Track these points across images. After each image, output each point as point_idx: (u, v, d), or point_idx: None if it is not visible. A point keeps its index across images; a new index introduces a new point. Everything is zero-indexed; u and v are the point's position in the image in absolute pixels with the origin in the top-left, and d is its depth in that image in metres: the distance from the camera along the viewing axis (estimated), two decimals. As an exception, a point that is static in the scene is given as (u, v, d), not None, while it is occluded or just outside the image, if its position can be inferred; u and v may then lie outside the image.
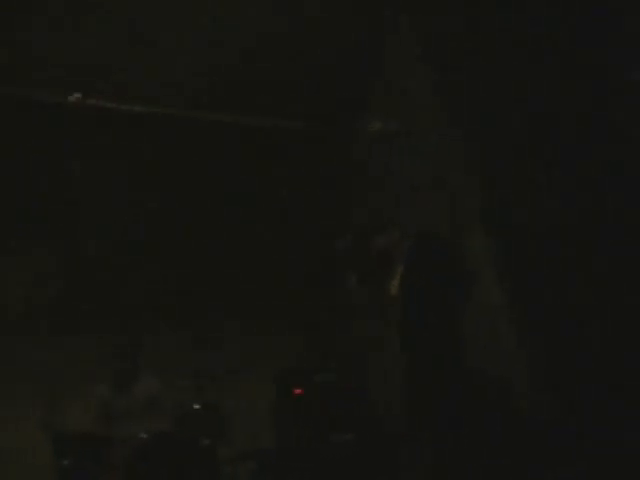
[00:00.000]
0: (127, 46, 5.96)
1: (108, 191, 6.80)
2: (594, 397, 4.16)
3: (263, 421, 5.94)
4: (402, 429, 5.04)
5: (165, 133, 6.54)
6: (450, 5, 5.24)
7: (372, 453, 5.45)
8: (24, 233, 6.71)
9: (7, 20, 5.75)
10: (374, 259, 5.45)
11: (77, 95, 5.55)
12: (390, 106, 6.12)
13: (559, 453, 4.14)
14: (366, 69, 6.36)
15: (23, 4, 5.73)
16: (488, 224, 4.92)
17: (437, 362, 4.54)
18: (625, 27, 4.41)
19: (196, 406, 5.76)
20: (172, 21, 5.88)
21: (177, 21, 5.89)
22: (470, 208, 5.09)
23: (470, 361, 4.56)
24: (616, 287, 4.31)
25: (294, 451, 5.62)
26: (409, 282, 4.83)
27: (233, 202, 6.99)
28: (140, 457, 4.95)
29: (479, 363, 4.58)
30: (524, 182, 4.76)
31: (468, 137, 5.06)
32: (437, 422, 4.48)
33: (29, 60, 5.99)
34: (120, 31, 5.89)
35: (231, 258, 7.02)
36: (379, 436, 5.64)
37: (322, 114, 6.49)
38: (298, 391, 5.88)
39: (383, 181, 6.40)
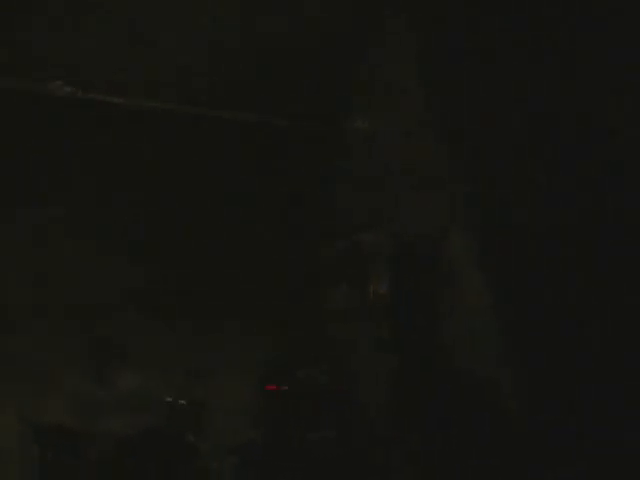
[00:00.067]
0: (127, 46, 5.96)
1: (108, 191, 6.78)
2: (594, 397, 4.16)
3: (247, 417, 5.94)
4: (389, 430, 5.05)
5: (165, 133, 6.53)
6: (450, 5, 5.23)
7: (354, 451, 5.47)
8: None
9: (7, 20, 5.75)
10: (361, 260, 5.47)
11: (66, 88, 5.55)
12: (386, 106, 6.12)
13: (559, 453, 4.14)
14: (366, 69, 6.35)
15: (23, 4, 5.73)
16: (484, 223, 4.93)
17: (425, 363, 4.54)
18: (625, 27, 4.41)
19: (181, 402, 5.76)
20: (172, 21, 5.88)
21: (177, 21, 5.89)
22: (456, 209, 5.10)
23: (458, 362, 4.56)
24: (616, 287, 4.30)
25: (277, 447, 5.63)
26: (396, 283, 4.83)
27: (233, 202, 6.99)
28: (123, 452, 4.95)
29: (467, 364, 4.59)
30: (524, 182, 4.76)
31: (458, 138, 5.07)
32: (425, 423, 4.48)
33: (29, 60, 5.99)
34: (120, 31, 5.89)
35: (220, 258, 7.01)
36: (361, 434, 5.66)
37: (322, 114, 6.49)
38: (282, 388, 5.89)
39: (369, 180, 6.40)
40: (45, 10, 5.75)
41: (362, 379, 6.29)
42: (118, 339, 5.75)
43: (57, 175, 6.65)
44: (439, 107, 5.36)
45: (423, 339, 4.68)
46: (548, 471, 4.16)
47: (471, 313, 4.78)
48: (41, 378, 5.93)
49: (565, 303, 4.46)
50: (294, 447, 5.55)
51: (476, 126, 5.01)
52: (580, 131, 4.56)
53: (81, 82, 6.11)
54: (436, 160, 5.44)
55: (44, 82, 5.82)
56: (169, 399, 5.71)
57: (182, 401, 5.71)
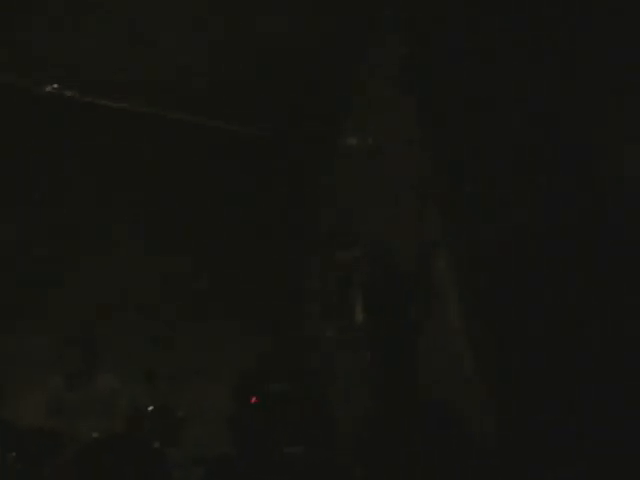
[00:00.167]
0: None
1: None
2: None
3: (217, 427, 5.90)
4: (368, 444, 5.02)
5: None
6: (450, 5, 5.24)
7: (323, 466, 5.44)
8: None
9: (7, 20, 5.75)
10: (339, 282, 5.46)
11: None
12: (379, 120, 6.10)
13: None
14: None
15: (23, 4, 5.73)
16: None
17: (400, 382, 4.55)
18: (625, 27, 4.40)
19: (150, 408, 5.72)
20: (172, 21, 5.88)
21: (177, 21, 5.89)
22: (437, 227, 5.11)
23: (435, 382, 4.58)
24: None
25: (246, 460, 5.58)
26: (372, 302, 4.83)
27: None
28: (89, 455, 4.93)
29: (444, 384, 4.60)
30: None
31: (442, 152, 5.08)
32: (408, 438, 4.49)
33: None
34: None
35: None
36: (332, 450, 5.63)
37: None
38: (254, 400, 5.85)
39: (349, 196, 6.40)
40: (45, 10, 5.75)
41: (340, 393, 6.30)
42: (91, 342, 5.73)
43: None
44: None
45: (399, 359, 4.69)
46: (548, 471, 4.16)
47: (447, 333, 4.78)
48: (12, 379, 5.93)
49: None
50: (269, 461, 5.51)
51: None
52: (580, 131, 4.56)
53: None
54: (404, 177, 5.45)
55: (42, 85, 5.81)
56: (138, 404, 5.69)
57: (151, 407, 5.68)
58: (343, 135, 6.36)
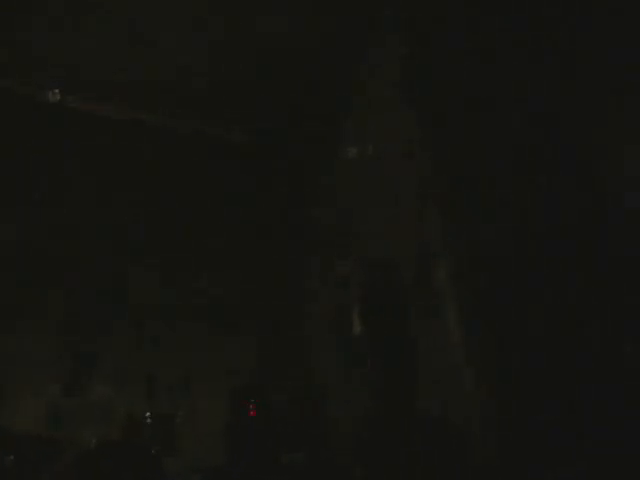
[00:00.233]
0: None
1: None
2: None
3: (214, 435, 5.89)
4: (366, 453, 5.01)
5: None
6: (450, 5, 5.23)
7: (323, 473, 5.43)
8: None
9: (7, 20, 5.75)
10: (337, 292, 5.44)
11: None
12: (379, 129, 6.07)
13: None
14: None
15: (23, 4, 5.72)
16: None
17: (398, 396, 4.53)
18: (625, 27, 4.40)
19: (147, 415, 5.71)
20: (172, 21, 5.88)
21: (177, 21, 5.89)
22: (437, 227, 5.09)
23: (433, 396, 4.57)
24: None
25: (244, 467, 5.57)
26: (369, 313, 4.81)
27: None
28: (88, 462, 4.91)
29: (442, 397, 4.59)
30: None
31: (442, 152, 5.07)
32: (402, 440, 4.48)
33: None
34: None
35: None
36: (331, 458, 5.62)
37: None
38: (252, 407, 5.83)
39: (349, 196, 6.38)
40: (45, 10, 5.75)
41: (337, 401, 6.29)
42: (90, 349, 5.72)
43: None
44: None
45: (396, 371, 4.68)
46: (548, 471, 4.16)
47: (446, 346, 4.76)
48: (11, 385, 5.91)
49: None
50: (268, 468, 5.49)
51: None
52: (580, 131, 4.56)
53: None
54: (406, 185, 5.44)
55: (44, 90, 5.81)
56: (136, 411, 5.69)
57: (149, 414, 5.67)
58: (343, 143, 6.34)
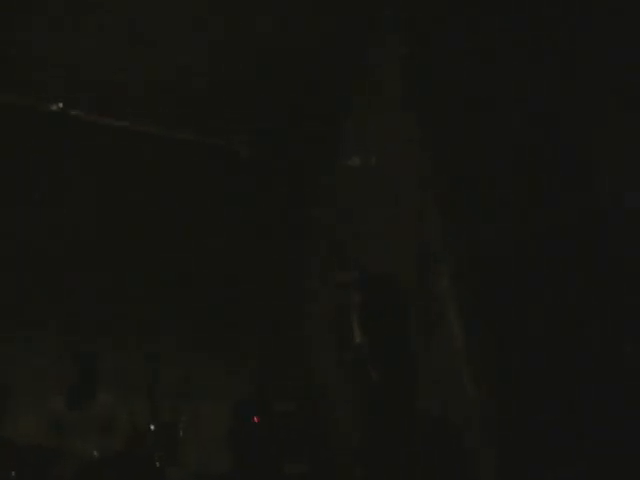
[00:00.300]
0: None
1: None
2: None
3: (218, 446, 5.88)
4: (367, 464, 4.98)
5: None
6: (450, 5, 5.23)
7: None
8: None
9: (7, 20, 5.75)
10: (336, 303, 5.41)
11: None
12: (381, 134, 6.05)
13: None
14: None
15: (23, 4, 5.73)
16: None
17: (398, 409, 4.51)
18: (625, 27, 4.40)
19: (151, 426, 5.69)
20: (172, 21, 5.88)
21: (177, 21, 5.89)
22: (437, 227, 5.09)
23: (433, 409, 4.55)
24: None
25: (246, 476, 5.55)
26: (369, 317, 4.79)
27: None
28: (90, 474, 4.87)
29: (442, 398, 4.58)
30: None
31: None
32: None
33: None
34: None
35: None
36: (333, 468, 5.60)
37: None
38: (256, 419, 5.82)
39: (350, 214, 6.36)
40: (45, 10, 5.75)
41: (338, 401, 6.28)
42: (93, 359, 5.69)
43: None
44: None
45: (396, 384, 4.65)
46: (548, 471, 4.16)
47: (448, 358, 4.75)
48: (14, 395, 5.88)
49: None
50: (270, 477, 5.47)
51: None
52: (580, 131, 4.56)
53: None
54: (406, 195, 5.43)
55: (46, 102, 5.81)
56: (139, 422, 5.65)
57: (152, 425, 5.64)
58: (343, 144, 6.32)
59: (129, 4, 5.75)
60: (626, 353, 4.17)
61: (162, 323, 6.73)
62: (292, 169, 6.94)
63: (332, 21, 5.99)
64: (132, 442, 5.51)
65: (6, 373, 5.87)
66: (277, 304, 7.09)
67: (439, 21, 5.34)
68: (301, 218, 7.18)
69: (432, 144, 5.44)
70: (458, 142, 5.15)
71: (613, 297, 4.30)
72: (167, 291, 6.95)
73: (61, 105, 5.74)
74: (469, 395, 4.63)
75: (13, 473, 4.85)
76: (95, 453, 5.10)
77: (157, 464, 5.32)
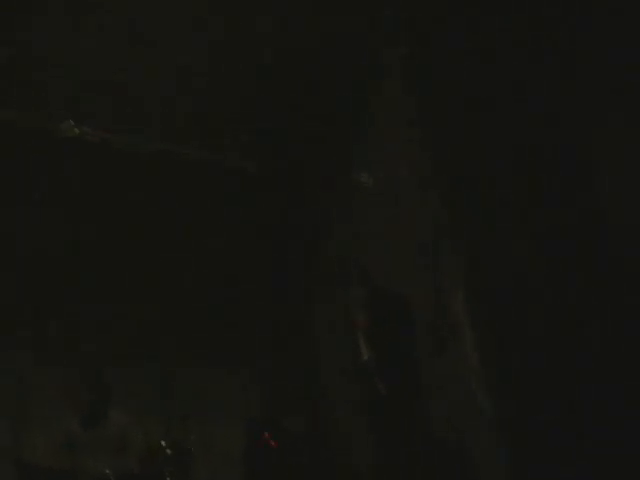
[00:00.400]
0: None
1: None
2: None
3: (230, 464, 5.86)
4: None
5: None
6: (450, 5, 5.24)
7: None
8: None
9: (7, 20, 5.75)
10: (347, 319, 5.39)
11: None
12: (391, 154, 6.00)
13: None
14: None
15: (23, 4, 5.72)
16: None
17: (408, 426, 4.51)
18: (625, 27, 4.40)
19: (163, 444, 5.67)
20: (172, 21, 5.88)
21: (177, 21, 5.89)
22: (453, 269, 5.06)
23: (445, 425, 4.55)
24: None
25: None
26: (376, 342, 4.78)
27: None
28: None
29: (454, 427, 4.58)
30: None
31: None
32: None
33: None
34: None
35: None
36: None
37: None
38: (267, 436, 5.80)
39: (360, 232, 6.34)
40: (45, 10, 5.75)
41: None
42: (106, 379, 5.67)
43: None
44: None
45: (406, 400, 4.65)
46: (548, 471, 4.16)
47: (461, 374, 4.73)
48: (28, 415, 5.87)
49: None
50: None
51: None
52: (580, 131, 4.56)
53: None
54: (420, 216, 5.41)
55: (56, 122, 5.81)
56: (152, 442, 5.63)
57: (164, 444, 5.62)
58: (358, 175, 6.28)
59: (129, 4, 5.74)
60: (626, 353, 4.17)
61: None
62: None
63: (332, 21, 5.98)
64: (145, 461, 5.48)
65: (20, 394, 5.89)
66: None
67: (439, 21, 5.34)
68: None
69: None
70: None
71: (613, 297, 4.30)
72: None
73: (72, 123, 5.74)
74: (481, 407, 4.61)
75: None
76: (107, 472, 5.06)
77: None
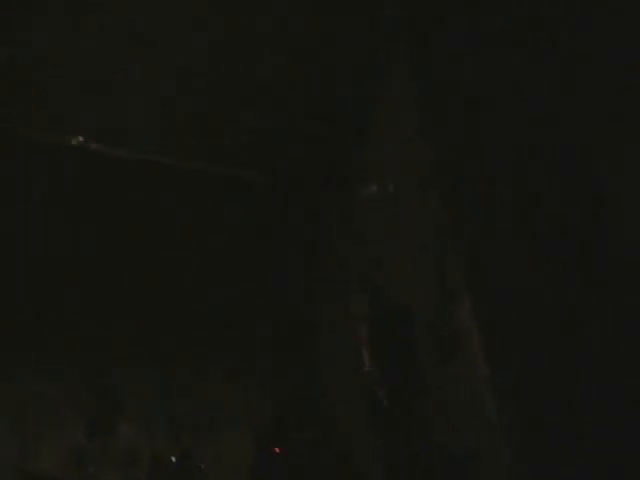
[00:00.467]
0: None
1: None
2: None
3: (240, 476, 5.85)
4: None
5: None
6: (450, 5, 5.24)
7: None
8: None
9: (7, 20, 5.75)
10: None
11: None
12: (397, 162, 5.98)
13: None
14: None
15: (23, 4, 5.72)
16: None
17: (414, 438, 4.50)
18: (625, 27, 4.40)
19: (172, 457, 5.66)
20: (172, 21, 5.88)
21: (177, 21, 5.89)
22: (457, 275, 5.04)
23: (449, 435, 4.54)
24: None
25: None
26: (380, 352, 4.78)
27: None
28: None
29: (459, 437, 4.57)
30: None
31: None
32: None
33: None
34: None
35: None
36: None
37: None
38: (277, 448, 5.79)
39: (364, 239, 6.33)
40: (45, 10, 5.75)
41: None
42: (114, 389, 5.65)
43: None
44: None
45: (411, 412, 4.63)
46: (548, 471, 4.15)
47: (467, 383, 4.71)
48: (34, 426, 5.84)
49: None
50: None
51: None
52: (580, 131, 4.57)
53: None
54: (422, 220, 5.38)
55: (67, 136, 5.83)
56: (161, 454, 5.61)
57: (173, 457, 5.60)
58: (367, 186, 6.26)
59: (129, 4, 5.75)
60: (626, 353, 4.17)
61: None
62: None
63: (332, 21, 5.98)
64: (153, 474, 5.46)
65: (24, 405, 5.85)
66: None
67: (439, 21, 5.34)
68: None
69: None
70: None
71: (613, 297, 4.30)
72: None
73: (81, 139, 5.76)
74: (491, 421, 4.59)
75: None
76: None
77: None
